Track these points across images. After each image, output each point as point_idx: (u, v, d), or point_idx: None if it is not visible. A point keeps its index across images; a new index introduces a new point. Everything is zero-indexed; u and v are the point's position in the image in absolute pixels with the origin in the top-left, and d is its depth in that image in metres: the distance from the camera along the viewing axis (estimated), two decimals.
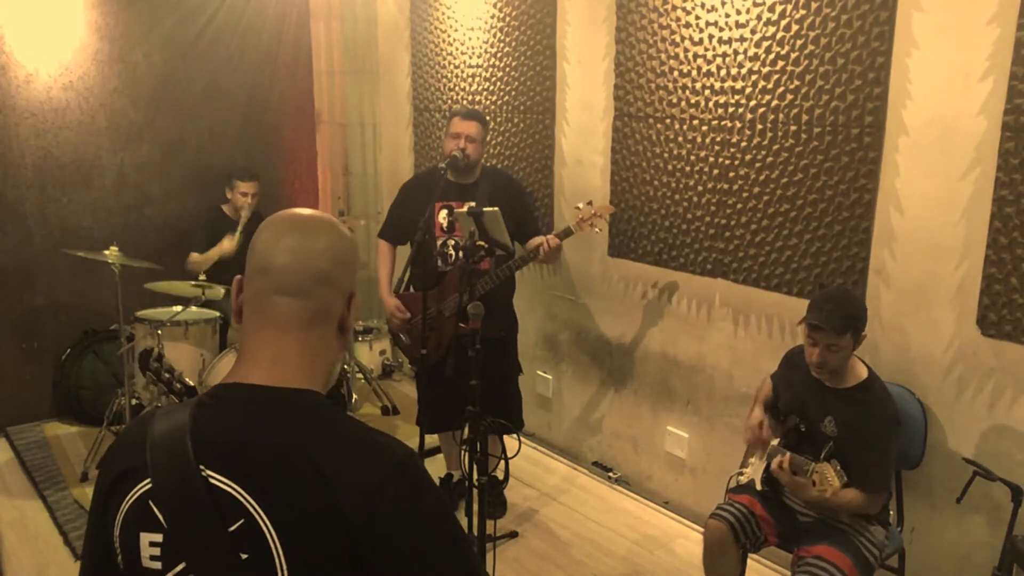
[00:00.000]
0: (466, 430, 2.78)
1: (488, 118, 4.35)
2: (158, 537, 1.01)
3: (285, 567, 0.96)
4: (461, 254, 3.16)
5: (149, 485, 1.01)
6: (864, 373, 2.52)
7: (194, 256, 4.44)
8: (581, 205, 3.40)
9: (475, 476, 2.73)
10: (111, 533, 1.05)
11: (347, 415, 1.07)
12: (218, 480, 0.98)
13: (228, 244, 4.41)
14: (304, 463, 0.97)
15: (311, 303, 1.07)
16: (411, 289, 3.54)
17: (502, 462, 3.37)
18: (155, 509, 1.01)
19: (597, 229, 3.41)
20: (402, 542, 0.98)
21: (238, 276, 1.12)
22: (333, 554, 0.96)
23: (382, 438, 1.04)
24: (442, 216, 3.52)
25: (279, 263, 1.07)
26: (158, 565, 1.01)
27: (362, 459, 1.00)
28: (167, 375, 3.38)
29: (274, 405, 1.03)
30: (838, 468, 2.38)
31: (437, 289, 3.41)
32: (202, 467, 0.99)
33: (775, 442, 2.63)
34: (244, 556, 0.96)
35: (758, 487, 2.65)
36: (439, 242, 3.50)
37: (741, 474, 2.76)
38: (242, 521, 0.97)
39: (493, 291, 3.33)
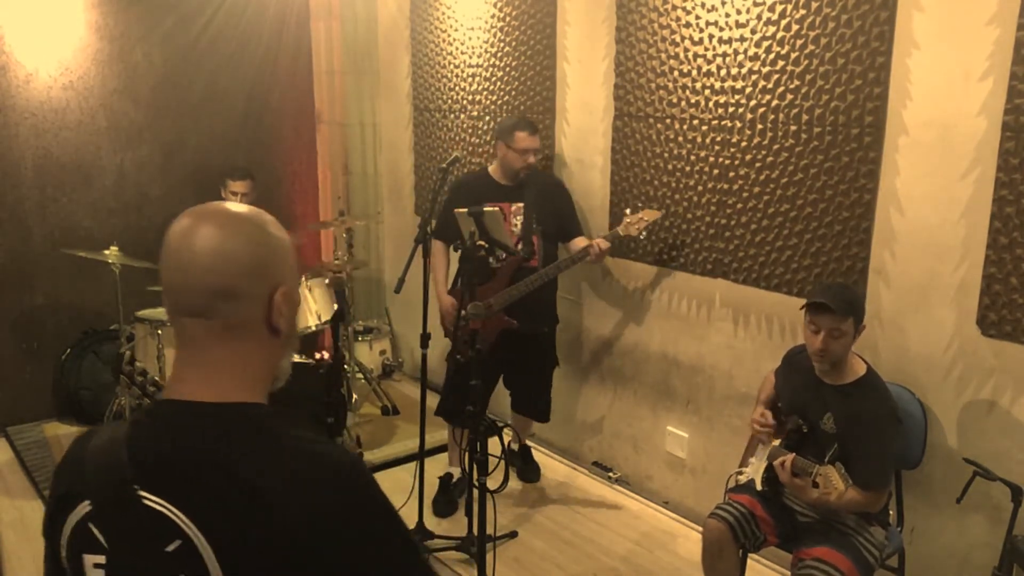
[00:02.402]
0: (465, 433, 2.78)
1: (488, 118, 4.36)
2: (101, 559, 1.00)
3: None
4: (509, 252, 3.41)
5: (89, 507, 1.00)
6: (862, 369, 2.52)
7: None
8: (628, 212, 3.48)
9: (476, 475, 2.73)
10: (59, 555, 1.04)
11: (286, 425, 1.01)
12: (152, 501, 0.96)
13: None
14: (237, 480, 0.94)
15: (216, 321, 1.00)
16: (459, 286, 3.66)
17: (524, 433, 3.88)
18: (95, 531, 0.99)
19: (643, 235, 3.48)
20: (346, 552, 0.95)
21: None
22: (274, 567, 0.93)
23: (322, 447, 1.00)
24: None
25: (173, 282, 1.00)
26: None
27: (299, 471, 0.96)
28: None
29: (206, 422, 0.99)
30: (843, 471, 2.37)
31: (489, 284, 3.53)
32: (137, 487, 0.96)
33: (776, 443, 2.63)
34: None
35: (758, 487, 2.65)
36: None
37: (741, 473, 2.75)
38: (179, 543, 0.94)
39: (538, 288, 3.50)
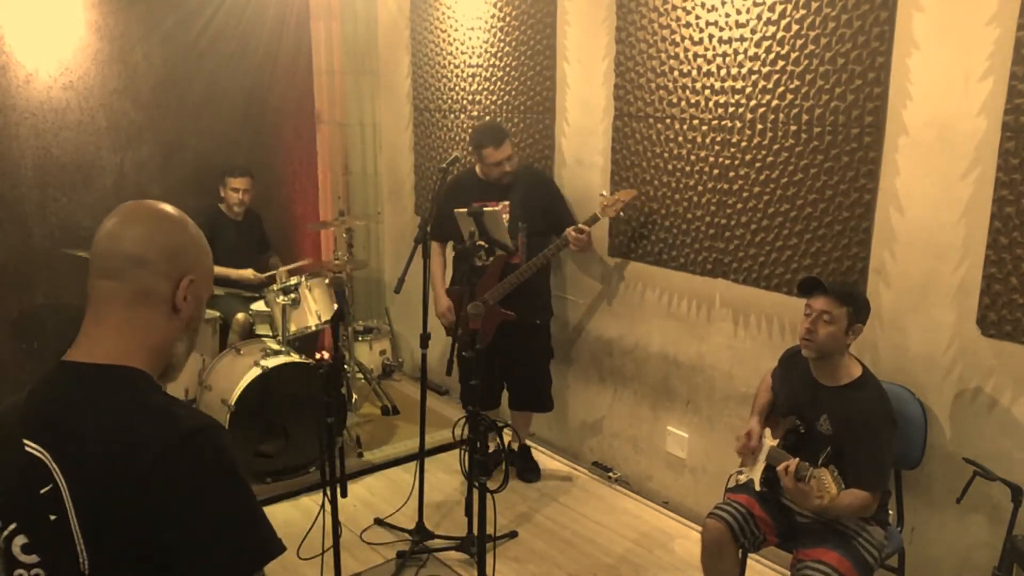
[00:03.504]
0: (466, 429, 2.78)
1: (488, 118, 4.36)
2: None
3: (79, 528, 1.06)
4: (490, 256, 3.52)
5: None
6: (858, 371, 2.51)
7: None
8: (605, 192, 3.56)
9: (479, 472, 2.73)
10: None
11: (154, 387, 1.16)
12: (32, 447, 1.09)
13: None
14: (99, 432, 1.07)
15: (129, 284, 1.15)
16: (455, 286, 3.78)
17: (521, 433, 3.97)
18: None
19: (622, 214, 3.54)
20: (180, 510, 1.04)
21: None
22: (122, 516, 1.04)
23: (180, 410, 1.11)
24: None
25: (99, 248, 1.17)
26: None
27: (153, 428, 1.07)
28: None
29: (85, 380, 1.13)
30: (835, 474, 2.34)
31: (480, 281, 3.60)
32: (24, 436, 1.10)
33: (774, 443, 2.63)
34: (52, 517, 1.07)
35: (757, 488, 2.64)
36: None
37: (741, 473, 2.75)
38: (50, 486, 1.07)
39: (528, 281, 3.57)
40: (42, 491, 1.07)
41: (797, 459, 2.39)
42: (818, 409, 2.52)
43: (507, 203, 3.65)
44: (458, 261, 3.48)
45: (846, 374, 2.50)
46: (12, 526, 1.12)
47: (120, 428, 1.07)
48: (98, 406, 1.10)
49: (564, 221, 3.75)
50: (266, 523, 1.13)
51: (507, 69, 4.20)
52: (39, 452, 1.09)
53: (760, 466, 2.65)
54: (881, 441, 2.43)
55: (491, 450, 3.80)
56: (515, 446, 4.02)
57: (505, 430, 3.03)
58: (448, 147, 4.67)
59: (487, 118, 4.35)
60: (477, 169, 3.74)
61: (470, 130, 4.48)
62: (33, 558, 1.11)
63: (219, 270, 4.33)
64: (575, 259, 4.02)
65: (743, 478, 2.73)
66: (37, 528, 1.09)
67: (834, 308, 2.41)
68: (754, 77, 3.07)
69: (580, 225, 3.53)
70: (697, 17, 3.24)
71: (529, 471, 3.98)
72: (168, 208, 1.22)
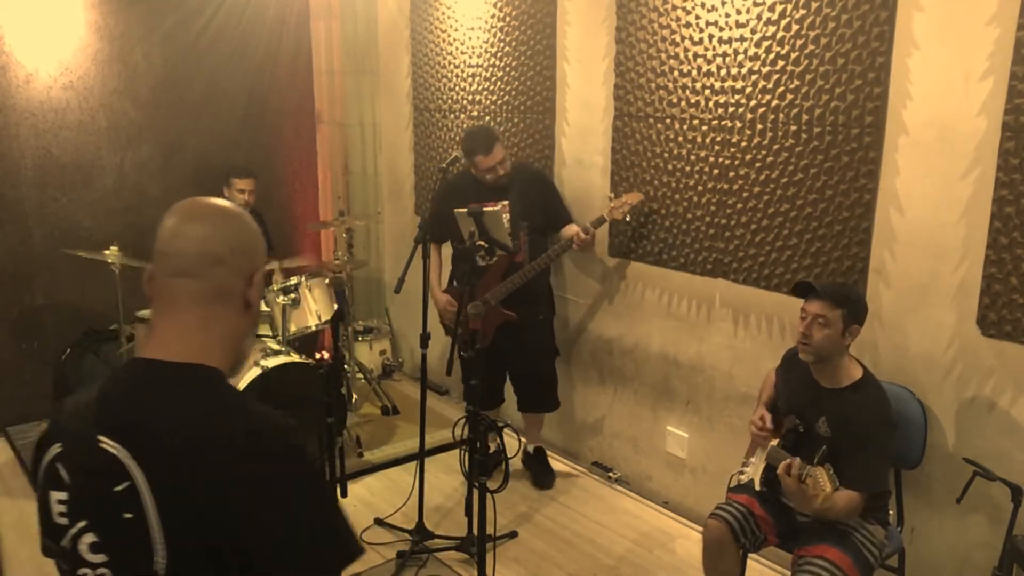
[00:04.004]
0: (466, 429, 2.79)
1: (488, 118, 4.36)
2: (64, 495, 1.12)
3: (160, 527, 1.04)
4: (492, 255, 3.52)
5: (59, 449, 1.13)
6: (858, 373, 2.51)
7: None
8: (612, 195, 3.56)
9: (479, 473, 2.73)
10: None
11: (231, 387, 1.16)
12: (108, 444, 1.07)
13: None
14: (179, 430, 1.06)
15: (206, 283, 1.15)
16: (454, 284, 3.77)
17: (533, 435, 3.96)
18: (61, 470, 1.12)
19: (628, 217, 3.54)
20: (263, 510, 1.04)
21: (149, 266, 1.19)
22: (203, 515, 1.03)
23: (259, 409, 1.12)
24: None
25: (172, 247, 1.16)
26: (65, 521, 1.12)
27: (233, 426, 1.08)
28: None
29: (162, 377, 1.12)
30: (831, 473, 2.33)
31: (482, 281, 3.60)
32: (98, 433, 1.08)
33: (774, 443, 2.63)
34: (128, 515, 1.05)
35: (757, 487, 2.65)
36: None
37: (742, 472, 2.75)
38: (127, 484, 1.05)
39: (530, 280, 3.59)
40: (117, 489, 1.05)
41: (797, 459, 2.38)
42: (817, 410, 2.52)
43: (506, 203, 3.65)
44: (458, 261, 3.48)
45: (846, 376, 2.50)
46: (81, 524, 1.10)
47: (200, 426, 1.06)
48: (177, 404, 1.09)
49: (561, 218, 3.77)
50: (347, 524, 1.12)
51: (507, 69, 4.20)
52: (115, 449, 1.07)
53: (761, 465, 2.65)
54: (877, 445, 2.42)
55: (491, 450, 3.82)
56: (530, 449, 3.99)
57: (506, 430, 3.03)
58: (448, 147, 4.67)
59: (487, 118, 4.35)
60: (473, 170, 3.75)
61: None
62: (100, 557, 1.09)
63: None
64: (575, 259, 4.02)
65: (744, 477, 2.73)
66: (108, 527, 1.08)
67: (829, 311, 2.41)
68: (754, 77, 3.07)
69: (587, 225, 3.53)
70: (697, 17, 3.24)
71: (545, 476, 3.91)
72: (229, 205, 1.23)
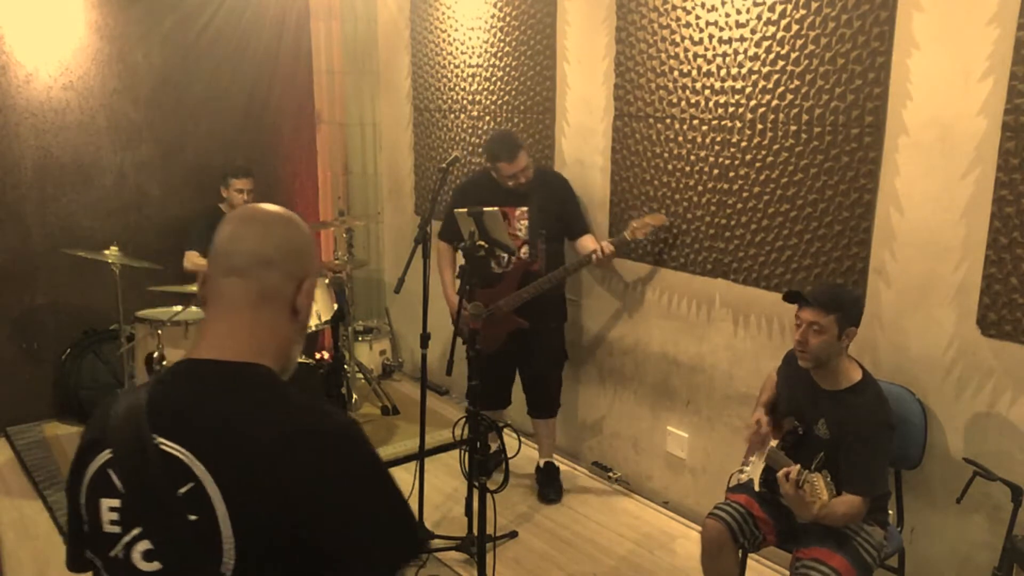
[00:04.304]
0: (466, 429, 2.78)
1: (488, 118, 4.36)
2: (116, 503, 1.08)
3: (230, 527, 1.01)
4: (514, 256, 3.54)
5: (109, 455, 1.09)
6: (858, 376, 2.50)
7: (194, 257, 4.43)
8: (634, 218, 3.53)
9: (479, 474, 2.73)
10: (79, 501, 1.13)
11: (289, 386, 1.13)
12: (168, 446, 1.04)
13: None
14: (246, 431, 1.04)
15: (255, 283, 1.14)
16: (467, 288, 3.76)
17: (546, 447, 3.95)
18: (113, 476, 1.08)
19: (648, 239, 3.53)
20: (332, 508, 1.03)
21: (204, 270, 1.19)
22: (272, 514, 1.01)
23: (321, 406, 1.10)
24: None
25: (226, 248, 1.16)
26: (117, 529, 1.08)
27: (301, 429, 1.05)
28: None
29: (220, 376, 1.11)
30: (828, 480, 2.32)
31: (498, 287, 3.61)
32: (155, 435, 1.05)
33: (774, 443, 2.63)
34: (193, 517, 1.02)
35: (756, 488, 2.64)
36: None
37: (741, 472, 2.75)
38: (191, 485, 1.02)
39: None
40: (180, 491, 1.02)
41: (798, 465, 2.36)
42: (817, 413, 2.52)
43: (525, 209, 3.64)
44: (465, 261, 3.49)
45: (845, 378, 2.50)
46: (135, 531, 1.06)
47: (265, 424, 1.04)
48: (239, 403, 1.07)
49: (577, 227, 3.73)
50: (411, 515, 1.12)
51: (507, 69, 4.20)
52: (177, 451, 1.03)
53: (760, 466, 2.65)
54: (875, 448, 2.41)
55: (491, 450, 3.82)
56: (541, 463, 3.92)
57: (506, 430, 3.02)
58: (448, 147, 4.67)
59: (487, 118, 4.35)
60: (495, 174, 3.70)
61: (470, 130, 4.49)
62: (154, 565, 1.05)
63: None
64: (575, 259, 4.01)
65: (744, 477, 2.73)
66: (169, 531, 1.04)
67: (821, 318, 2.40)
68: (754, 77, 3.07)
69: (605, 244, 3.49)
70: (697, 17, 3.24)
71: (551, 492, 3.80)
72: (283, 210, 1.22)
